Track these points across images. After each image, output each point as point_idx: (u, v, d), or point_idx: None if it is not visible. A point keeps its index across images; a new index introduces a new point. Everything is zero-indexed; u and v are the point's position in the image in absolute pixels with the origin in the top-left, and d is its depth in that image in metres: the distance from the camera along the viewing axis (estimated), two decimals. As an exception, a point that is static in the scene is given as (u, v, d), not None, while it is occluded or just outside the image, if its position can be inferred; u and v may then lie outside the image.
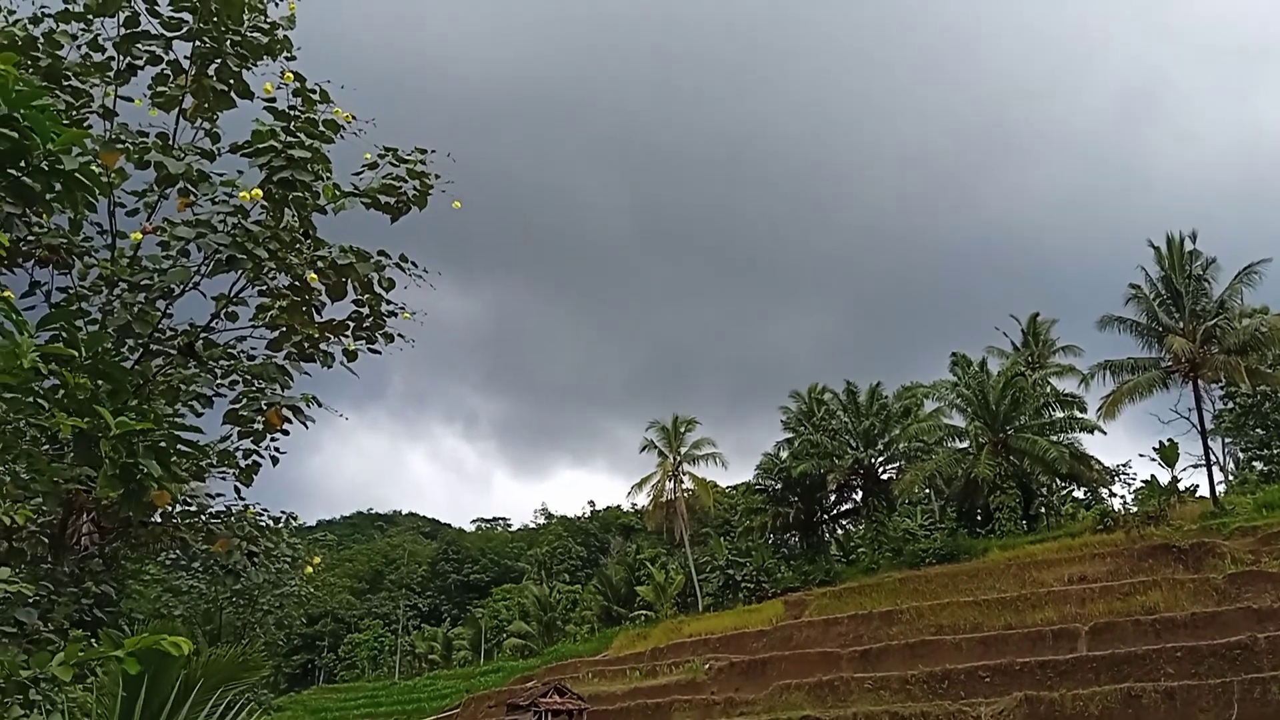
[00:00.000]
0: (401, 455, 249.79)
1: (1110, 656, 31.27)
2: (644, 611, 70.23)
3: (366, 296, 10.78)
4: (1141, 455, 76.99)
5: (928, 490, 59.97)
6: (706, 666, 44.94)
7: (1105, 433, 51.33)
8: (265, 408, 10.55)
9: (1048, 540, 45.01)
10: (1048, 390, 53.75)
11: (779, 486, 61.39)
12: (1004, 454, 49.70)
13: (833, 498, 62.17)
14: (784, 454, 61.06)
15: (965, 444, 53.46)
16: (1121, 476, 61.48)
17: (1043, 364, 57.97)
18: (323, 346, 11.00)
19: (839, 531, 66.43)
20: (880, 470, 58.00)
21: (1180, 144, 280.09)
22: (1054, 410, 52.86)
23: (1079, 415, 51.98)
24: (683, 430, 69.63)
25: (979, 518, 53.74)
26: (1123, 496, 59.41)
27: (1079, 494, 60.59)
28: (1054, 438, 50.09)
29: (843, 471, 56.33)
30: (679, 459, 69.07)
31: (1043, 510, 54.39)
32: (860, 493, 59.45)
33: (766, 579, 57.52)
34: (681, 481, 69.19)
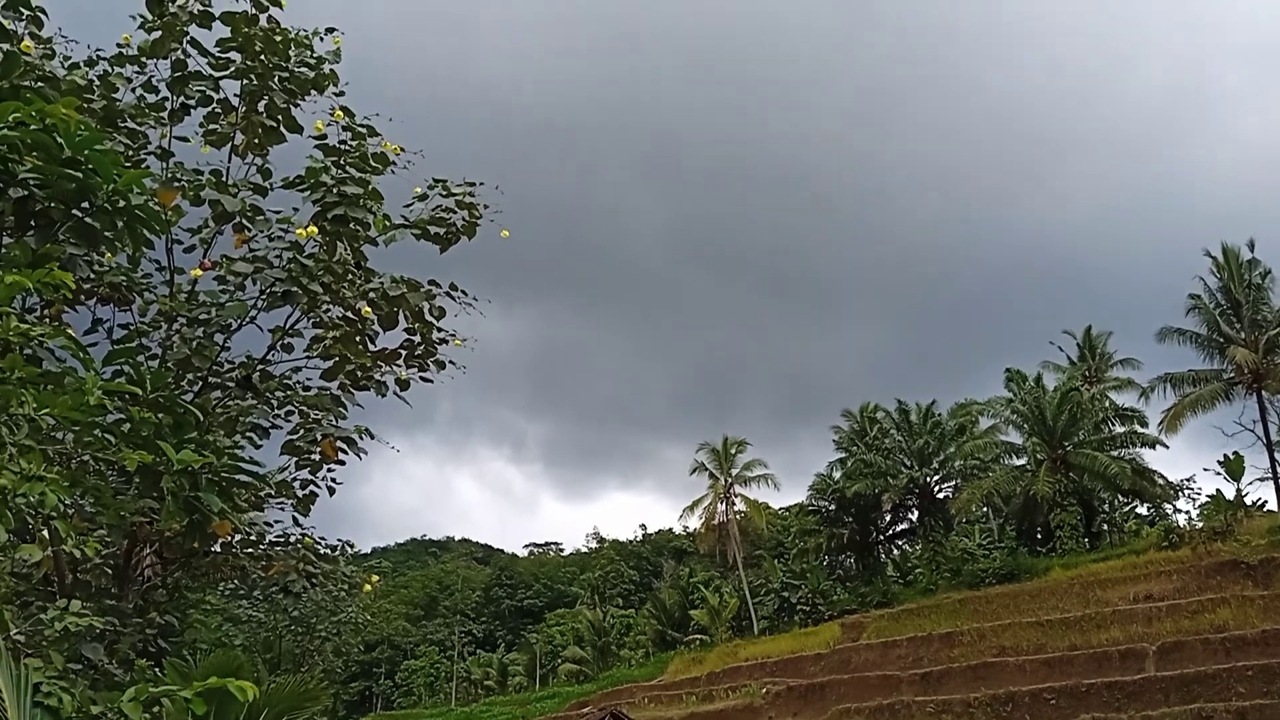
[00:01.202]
0: (450, 481, 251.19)
1: (1179, 677, 30.42)
2: (698, 635, 69.69)
3: (418, 325, 10.91)
4: (1206, 469, 75.09)
5: (985, 509, 58.97)
6: (764, 691, 44.44)
7: (1168, 447, 50.26)
8: (320, 439, 10.70)
9: (1111, 558, 44.04)
10: (1107, 405, 52.69)
11: (833, 507, 60.76)
12: (1063, 470, 48.74)
13: (888, 518, 61.40)
14: (837, 474, 60.47)
15: (1023, 461, 52.56)
16: (1186, 491, 59.76)
17: (1100, 378, 56.87)
18: (376, 375, 11.13)
19: (895, 552, 65.51)
20: (936, 489, 57.17)
21: (1225, 146, 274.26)
22: (1114, 425, 51.81)
23: (1140, 430, 50.91)
24: (733, 452, 69.26)
25: (1039, 536, 52.69)
26: (1188, 512, 57.78)
27: (1142, 510, 59.20)
28: (1115, 453, 49.07)
29: (897, 491, 55.61)
30: (730, 481, 68.68)
31: (1105, 527, 53.19)
32: (916, 512, 58.60)
33: (822, 601, 56.84)
34: (733, 504, 68.77)
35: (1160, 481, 51.76)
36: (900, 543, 64.80)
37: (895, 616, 46.37)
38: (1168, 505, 56.18)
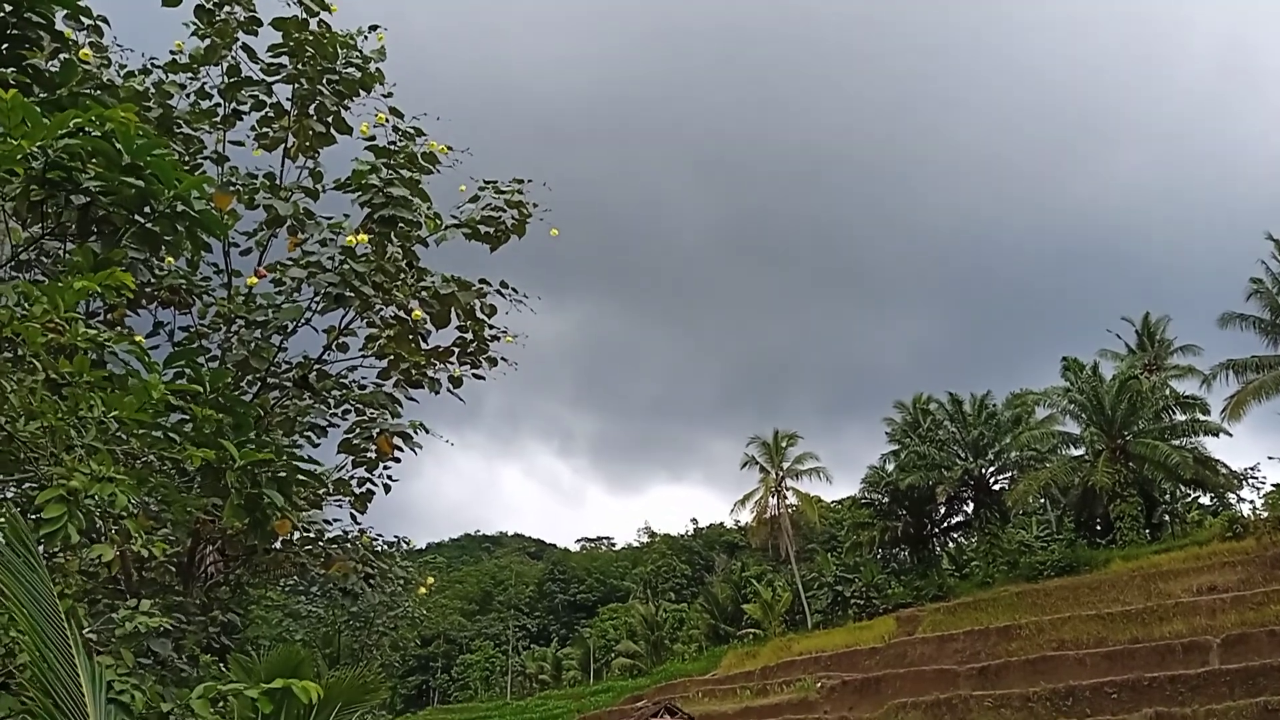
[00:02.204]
0: (500, 476, 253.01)
1: (1244, 670, 29.72)
2: (752, 630, 69.52)
3: (470, 323, 10.99)
4: (1271, 458, 73.04)
5: (1043, 500, 58.10)
6: (818, 685, 44.22)
7: (1230, 435, 48.98)
8: (376, 435, 10.83)
9: (1173, 549, 43.17)
10: (1167, 393, 51.58)
11: (886, 500, 60.20)
12: (1123, 460, 47.82)
13: (942, 510, 60.67)
14: (890, 466, 59.91)
15: (1081, 451, 51.65)
16: (1250, 480, 58.29)
17: (1160, 365, 55.68)
18: (429, 373, 11.24)
19: (950, 545, 64.75)
20: (992, 481, 56.39)
21: (1275, 124, 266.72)
22: (1174, 413, 50.71)
23: (1201, 418, 49.75)
24: (784, 445, 68.94)
25: (1098, 527, 51.78)
26: (1252, 502, 56.38)
27: (1205, 500, 57.85)
28: (1176, 442, 48.03)
29: (952, 483, 54.94)
30: (781, 474, 68.37)
31: (1166, 518, 52.12)
32: (971, 504, 57.84)
33: (876, 595, 56.38)
34: (785, 497, 68.47)
35: (1223, 470, 50.57)
36: (955, 535, 64.01)
37: (951, 610, 45.88)
38: (1231, 495, 54.82)
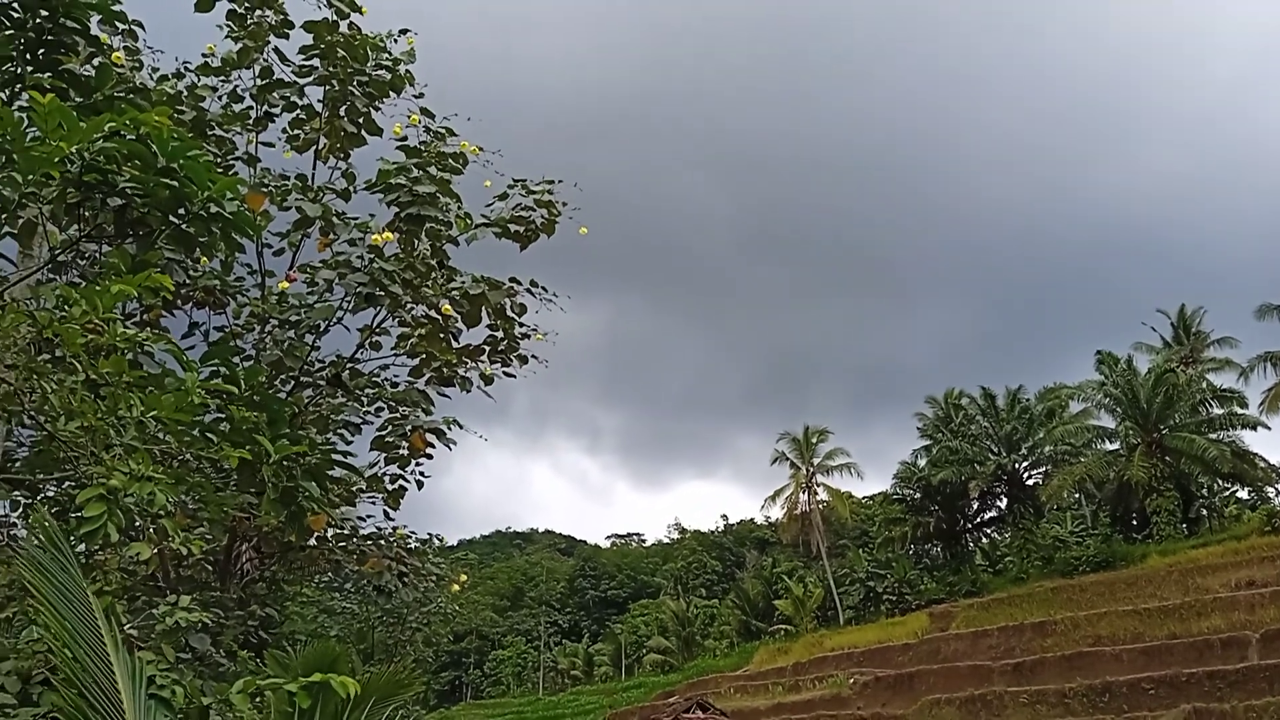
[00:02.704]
0: (530, 472, 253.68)
1: (1286, 666, 29.25)
2: (783, 625, 69.33)
3: (500, 322, 11.05)
4: (1312, 451, 72.08)
5: (1077, 495, 57.47)
6: (851, 681, 44.04)
7: (1269, 428, 48.37)
8: (409, 432, 10.91)
9: (1211, 544, 42.58)
10: (1204, 386, 50.86)
11: (918, 495, 59.83)
12: (1159, 455, 47.22)
13: (975, 505, 60.22)
14: (922, 462, 59.53)
15: (1115, 446, 51.04)
16: (1290, 475, 57.47)
17: (1197, 358, 54.90)
18: (461, 371, 11.30)
19: (984, 540, 64.21)
20: (1025, 476, 55.88)
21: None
22: (1211, 407, 49.98)
23: (1239, 411, 49.04)
24: (815, 441, 68.68)
25: (1134, 522, 51.17)
26: (1291, 495, 55.52)
27: (1243, 494, 56.99)
28: (1213, 435, 47.35)
29: (985, 478, 54.50)
30: (812, 470, 68.12)
31: (1204, 513, 51.41)
32: (1005, 500, 57.39)
33: (909, 591, 56.05)
34: (816, 493, 68.23)
35: (1262, 464, 49.76)
36: (989, 531, 63.50)
37: (985, 605, 45.52)
38: (1270, 488, 53.99)
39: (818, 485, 68.18)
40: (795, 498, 68.55)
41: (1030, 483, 55.60)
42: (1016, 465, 55.35)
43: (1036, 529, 52.67)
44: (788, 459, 68.85)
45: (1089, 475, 50.78)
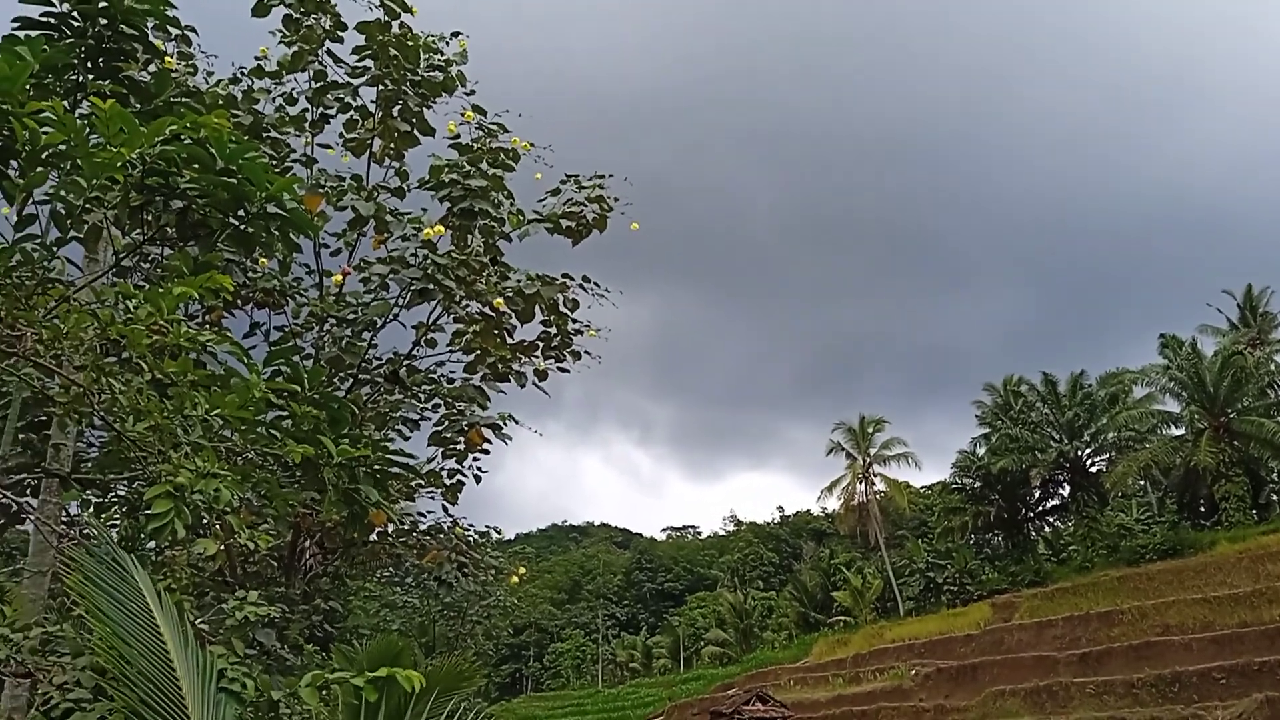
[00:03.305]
0: (582, 465, 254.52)
1: (1361, 654, 28.38)
2: (842, 617, 68.88)
3: (553, 317, 11.08)
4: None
5: (1143, 482, 56.19)
6: (913, 673, 43.60)
7: (1342, 410, 46.80)
8: (466, 428, 10.99)
9: (1283, 530, 41.38)
10: (1272, 368, 49.45)
11: (978, 484, 58.96)
12: (1226, 439, 46.00)
13: (1037, 494, 59.14)
14: (981, 450, 58.64)
15: (1181, 431, 49.85)
16: (1366, 458, 55.65)
17: (1265, 340, 53.36)
18: (515, 367, 11.36)
19: (1046, 529, 63.12)
20: (1088, 463, 54.78)
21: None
22: (1281, 389, 48.62)
23: (1311, 392, 47.61)
24: (871, 430, 68.07)
25: (1202, 509, 49.95)
26: (1368, 480, 53.73)
27: (1316, 478, 55.35)
28: (1283, 419, 46.05)
29: (1046, 466, 53.53)
30: (869, 460, 67.52)
31: (1274, 498, 49.98)
32: (1067, 487, 56.28)
33: (970, 581, 55.29)
34: (873, 483, 67.63)
35: (1336, 448, 48.28)
36: (1051, 519, 62.37)
37: (1049, 595, 44.75)
38: (1345, 472, 52.39)
39: (875, 476, 67.60)
40: (852, 488, 68.07)
41: (1094, 470, 54.49)
42: (1079, 452, 54.28)
43: (1101, 517, 51.64)
44: (843, 449, 68.38)
45: (1154, 461, 49.66)
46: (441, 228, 9.41)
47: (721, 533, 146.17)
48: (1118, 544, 48.20)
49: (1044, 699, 35.30)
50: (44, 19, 6.22)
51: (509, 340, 11.13)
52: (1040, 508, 61.04)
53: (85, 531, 7.36)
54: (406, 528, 12.26)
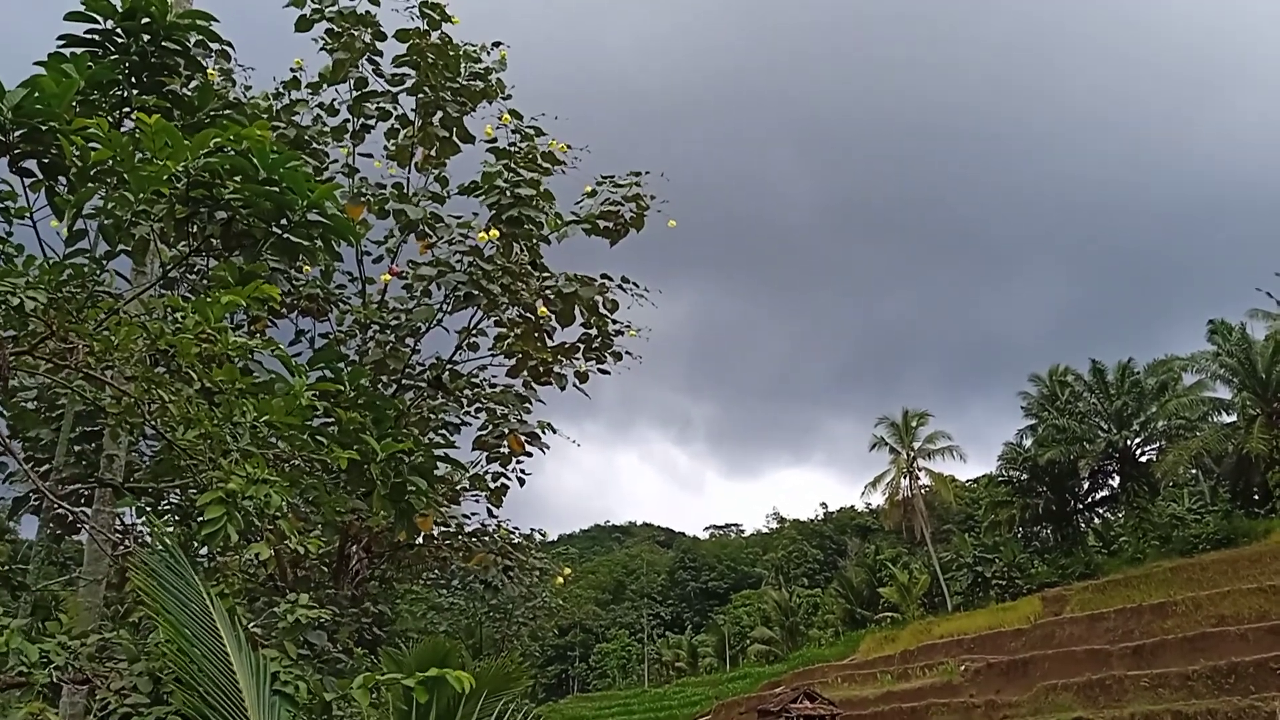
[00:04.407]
0: (622, 465, 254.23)
1: None
2: (889, 613, 68.37)
3: (593, 319, 11.11)
4: None
5: (1194, 471, 55.16)
6: (962, 668, 43.17)
7: (1401, 394, 45.56)
8: (507, 434, 11.06)
9: (1341, 517, 40.46)
10: (1327, 352, 48.27)
11: (1025, 477, 58.17)
12: (1279, 425, 45.05)
13: (1086, 485, 58.26)
14: (1027, 442, 57.87)
15: (1233, 418, 48.86)
16: None
17: (1320, 323, 52.13)
18: (556, 370, 11.40)
19: (1096, 521, 62.12)
20: (1138, 452, 53.84)
21: None
22: (1336, 373, 47.44)
23: (1368, 377, 46.39)
24: (914, 424, 67.47)
25: (1256, 497, 48.89)
26: None
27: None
28: (1339, 404, 44.96)
29: (1095, 456, 52.72)
30: (913, 455, 66.93)
31: (1332, 484, 48.84)
32: (1117, 478, 55.38)
33: (1019, 574, 54.63)
34: (917, 478, 67.02)
35: (1395, 432, 47.06)
36: (1101, 510, 61.38)
37: (1100, 588, 44.11)
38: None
39: (919, 470, 66.97)
40: (896, 483, 67.48)
41: (1143, 459, 53.56)
42: (1128, 442, 53.38)
43: (1152, 507, 50.78)
44: (887, 444, 67.83)
45: (1206, 449, 48.73)
46: (496, 231, 9.48)
47: (764, 530, 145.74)
48: (1170, 534, 47.40)
49: (1097, 693, 34.80)
50: (88, 36, 6.33)
51: (549, 343, 11.17)
52: (1089, 499, 60.11)
53: (140, 539, 7.49)
54: (452, 530, 12.36)
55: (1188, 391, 51.57)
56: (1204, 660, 32.68)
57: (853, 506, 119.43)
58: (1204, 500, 54.02)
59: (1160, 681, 33.15)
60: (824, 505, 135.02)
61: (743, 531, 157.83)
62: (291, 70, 10.94)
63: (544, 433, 11.33)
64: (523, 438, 11.19)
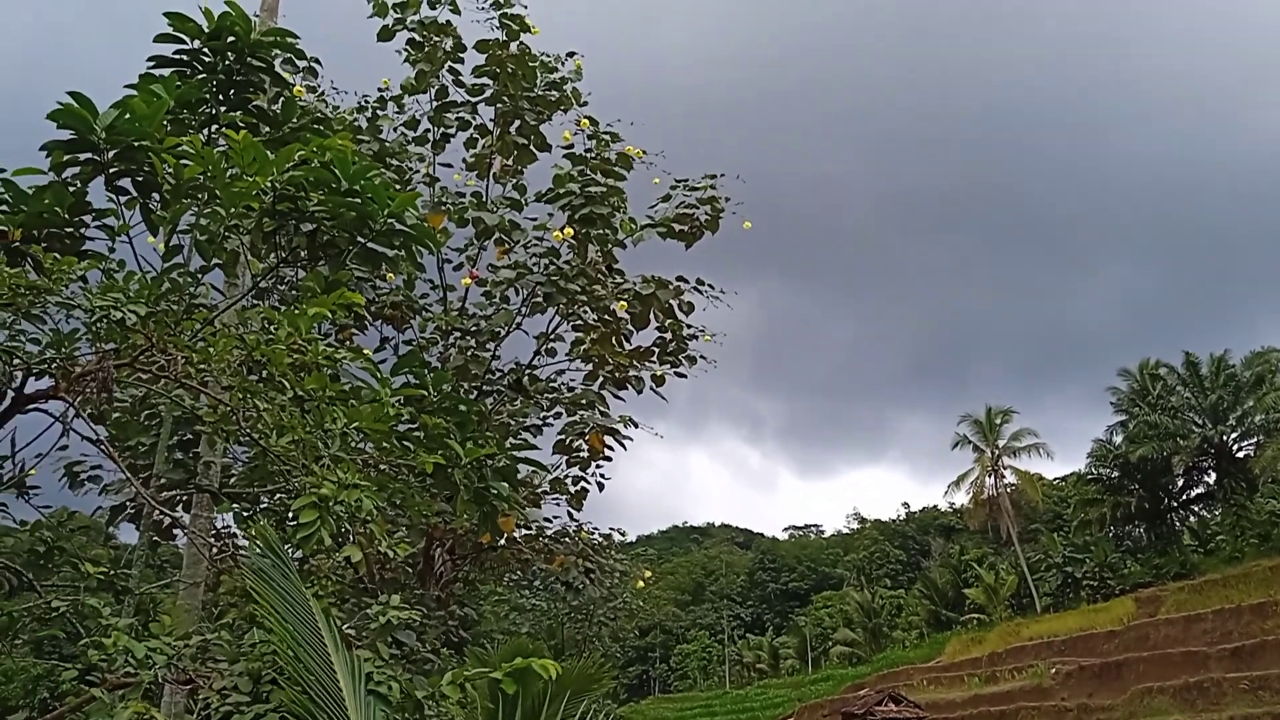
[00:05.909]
0: (692, 464, 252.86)
1: None
2: (975, 615, 67.01)
3: (669, 322, 11.14)
4: None
5: (1295, 466, 53.01)
6: (1053, 671, 42.09)
7: None
8: (587, 433, 11.15)
9: None
10: None
11: (1115, 474, 56.50)
12: (1389, 417, 43.10)
13: (1180, 482, 56.38)
14: (1118, 439, 56.24)
15: (1335, 411, 46.89)
16: None
17: None
18: (632, 373, 11.46)
19: (1191, 519, 60.07)
20: (1235, 448, 51.93)
21: None
22: None
23: None
24: (999, 422, 66.04)
25: (1362, 493, 46.84)
26: None
27: None
28: None
29: (1189, 453, 50.97)
30: (998, 453, 65.51)
31: None
32: (1213, 474, 53.48)
33: (1111, 575, 53.11)
34: (1003, 476, 65.57)
35: None
36: (1197, 508, 59.33)
37: (1197, 588, 42.63)
38: None
39: (1004, 468, 65.54)
40: (981, 482, 66.11)
41: (1241, 455, 51.65)
42: (1224, 437, 51.52)
43: (1250, 504, 48.94)
44: (970, 442, 66.52)
45: (1307, 444, 46.85)
46: (570, 230, 9.61)
47: (845, 531, 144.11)
48: (1269, 532, 45.65)
49: (1195, 696, 33.63)
50: (177, 56, 6.56)
51: (626, 346, 11.23)
52: (1184, 497, 58.16)
53: (236, 542, 7.73)
54: (534, 533, 12.50)
55: (1287, 384, 49.64)
56: (1309, 663, 31.40)
57: (935, 506, 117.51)
58: (1306, 496, 51.90)
59: (1261, 684, 31.90)
60: (905, 505, 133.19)
61: (823, 532, 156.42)
62: (379, 90, 11.21)
63: (624, 426, 11.38)
64: (603, 436, 11.27)
